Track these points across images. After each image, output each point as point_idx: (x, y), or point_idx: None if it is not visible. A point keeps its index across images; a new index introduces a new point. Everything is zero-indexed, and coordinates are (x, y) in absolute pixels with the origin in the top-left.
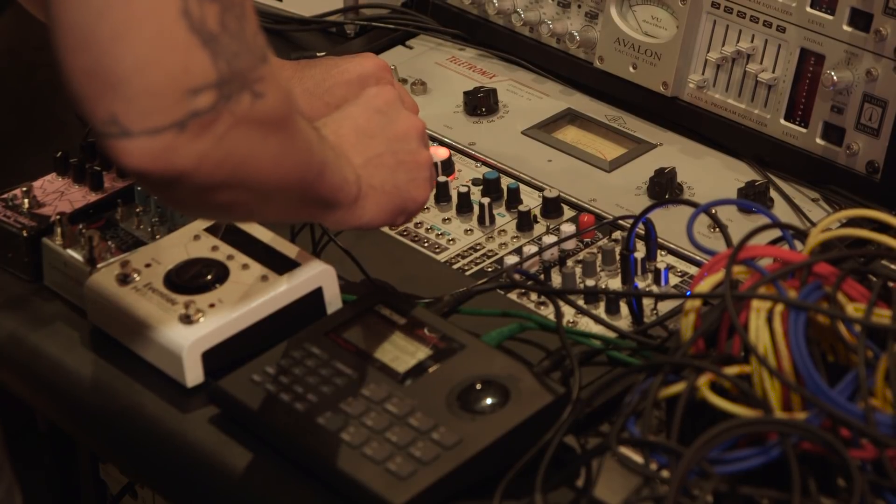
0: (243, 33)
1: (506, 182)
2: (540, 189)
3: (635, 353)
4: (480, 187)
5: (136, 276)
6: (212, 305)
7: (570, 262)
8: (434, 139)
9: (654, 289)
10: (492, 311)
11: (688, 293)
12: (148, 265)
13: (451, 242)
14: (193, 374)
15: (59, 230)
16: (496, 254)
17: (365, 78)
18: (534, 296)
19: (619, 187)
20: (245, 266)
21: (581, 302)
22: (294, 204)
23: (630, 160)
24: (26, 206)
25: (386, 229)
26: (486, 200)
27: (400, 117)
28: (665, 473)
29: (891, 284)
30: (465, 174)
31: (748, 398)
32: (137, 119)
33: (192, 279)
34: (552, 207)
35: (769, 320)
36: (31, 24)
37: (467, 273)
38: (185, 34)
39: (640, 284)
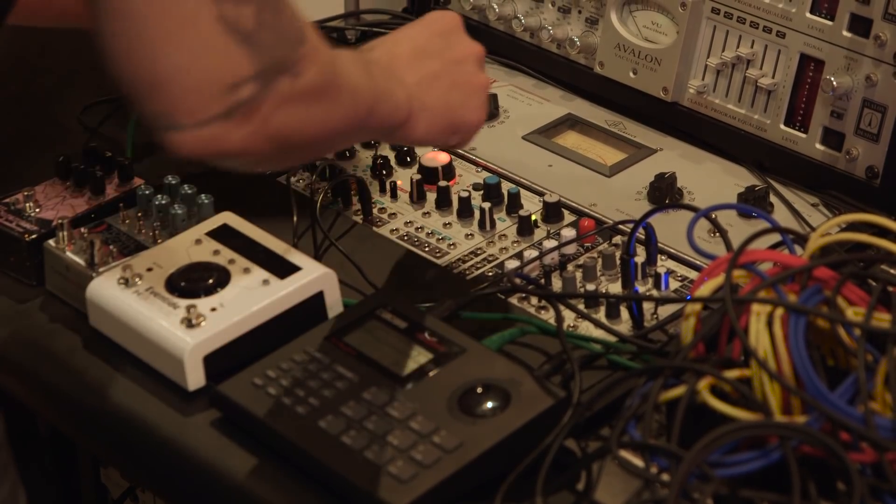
0: (279, 24)
1: (506, 187)
2: (540, 194)
3: (636, 356)
4: (481, 192)
5: (137, 280)
6: (213, 309)
7: (570, 267)
8: None
9: (655, 293)
10: (492, 315)
11: (688, 297)
12: (149, 269)
13: (452, 247)
14: (195, 378)
15: (60, 234)
16: (497, 258)
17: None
18: (534, 300)
19: (620, 192)
20: (246, 270)
21: (581, 306)
22: (349, 139)
23: (630, 165)
24: (28, 210)
25: (387, 233)
26: (486, 205)
27: (461, 42)
28: (665, 477)
29: (890, 288)
30: (466, 179)
31: (748, 402)
32: (185, 115)
33: (194, 283)
34: (552, 212)
35: (769, 324)
36: (33, 29)
37: (468, 277)
38: (222, 37)
39: (641, 289)
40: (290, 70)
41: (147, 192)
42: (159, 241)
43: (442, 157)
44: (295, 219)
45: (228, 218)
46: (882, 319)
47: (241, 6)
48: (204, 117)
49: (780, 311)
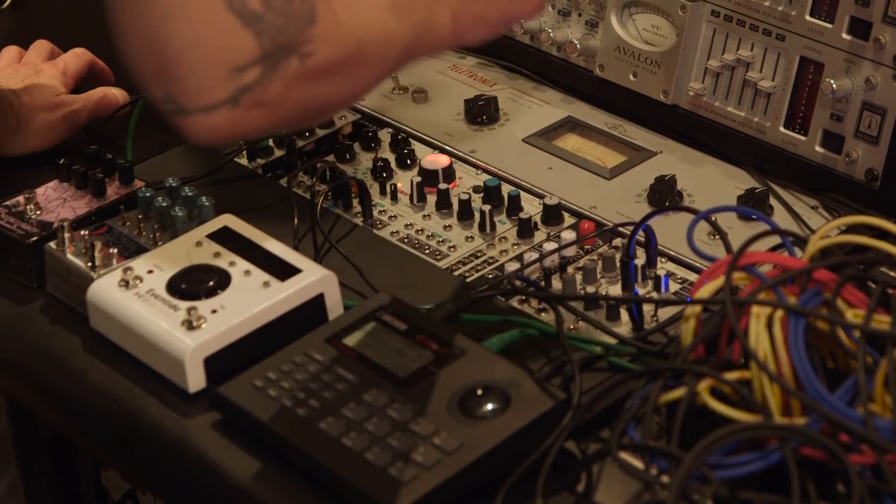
0: (290, 6)
1: (506, 189)
2: (540, 196)
3: (635, 358)
4: (481, 195)
5: (138, 282)
6: (214, 311)
7: (570, 269)
8: (435, 147)
9: (655, 295)
10: (493, 317)
11: (688, 299)
12: (150, 271)
13: (452, 249)
14: (195, 380)
15: (61, 237)
16: (497, 260)
17: None
18: (534, 302)
19: (620, 195)
20: (247, 272)
21: (581, 308)
22: (385, 75)
23: (630, 168)
24: (29, 212)
25: (387, 236)
26: (486, 208)
27: None
28: (665, 478)
29: (890, 291)
30: (466, 182)
31: (748, 403)
32: (190, 98)
33: (195, 285)
34: (553, 215)
35: (769, 326)
36: (33, 31)
37: (468, 279)
38: (226, 16)
39: (641, 291)
40: (297, 52)
41: (148, 194)
42: (160, 243)
43: (442, 160)
44: (295, 221)
45: (229, 220)
46: (882, 321)
47: None
48: (210, 102)
49: (779, 313)
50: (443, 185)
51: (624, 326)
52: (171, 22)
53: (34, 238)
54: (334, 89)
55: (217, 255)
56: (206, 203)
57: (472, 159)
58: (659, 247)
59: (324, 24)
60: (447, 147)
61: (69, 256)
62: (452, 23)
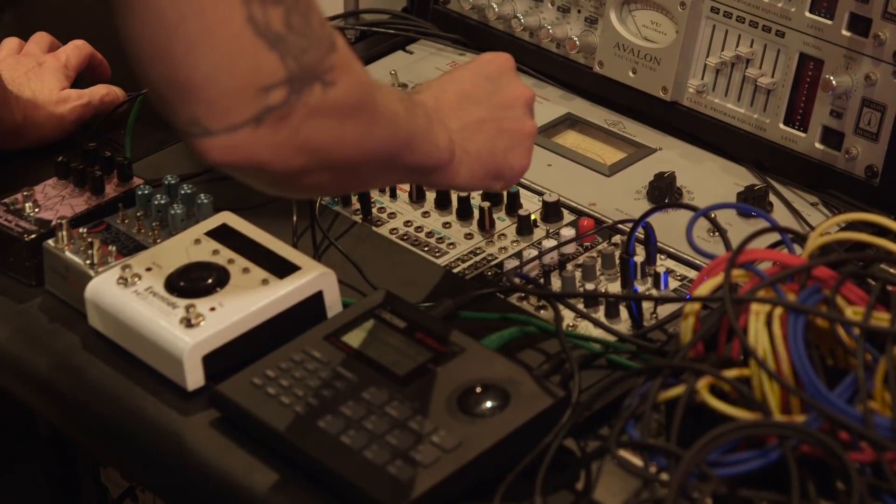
0: (309, 28)
1: None
2: (540, 193)
3: (635, 356)
4: (480, 192)
5: (136, 280)
6: (212, 309)
7: (569, 266)
8: None
9: (654, 292)
10: (492, 314)
11: (687, 296)
12: (149, 269)
13: (452, 247)
14: (194, 378)
15: (60, 234)
16: (496, 258)
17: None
18: (533, 299)
19: (619, 192)
20: (246, 270)
21: (581, 305)
22: (384, 174)
23: (630, 164)
24: (27, 210)
25: (386, 233)
26: (486, 205)
27: (510, 85)
28: (664, 476)
29: (889, 288)
30: None
31: (747, 401)
32: (216, 119)
33: (193, 283)
34: (552, 212)
35: (768, 323)
36: (32, 29)
37: (467, 277)
38: (252, 39)
39: (640, 288)
40: (320, 78)
41: (146, 191)
42: (158, 240)
43: None
44: (294, 218)
45: (227, 218)
46: (881, 319)
47: (270, 9)
48: (235, 122)
49: (779, 311)
50: None
51: (623, 324)
52: (198, 50)
53: (33, 236)
54: (346, 135)
55: (216, 252)
56: (205, 200)
57: None
58: (658, 244)
59: (343, 56)
60: None
61: (68, 254)
62: (449, 147)
